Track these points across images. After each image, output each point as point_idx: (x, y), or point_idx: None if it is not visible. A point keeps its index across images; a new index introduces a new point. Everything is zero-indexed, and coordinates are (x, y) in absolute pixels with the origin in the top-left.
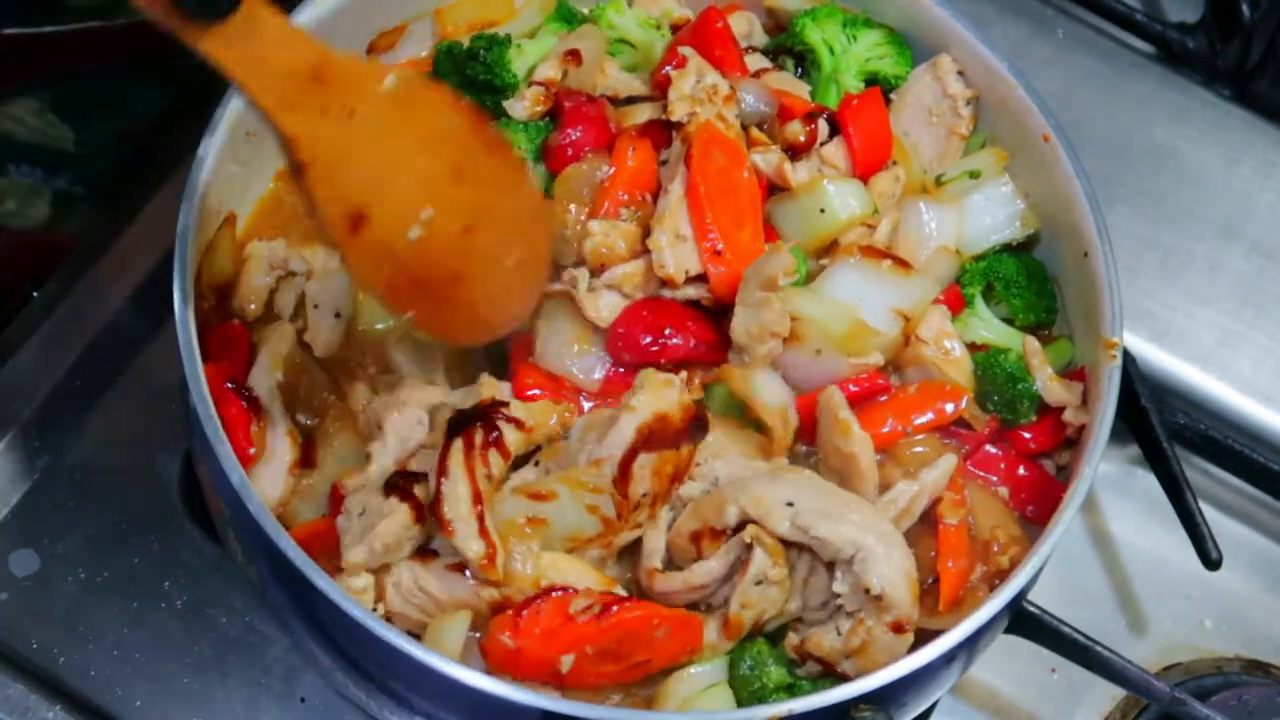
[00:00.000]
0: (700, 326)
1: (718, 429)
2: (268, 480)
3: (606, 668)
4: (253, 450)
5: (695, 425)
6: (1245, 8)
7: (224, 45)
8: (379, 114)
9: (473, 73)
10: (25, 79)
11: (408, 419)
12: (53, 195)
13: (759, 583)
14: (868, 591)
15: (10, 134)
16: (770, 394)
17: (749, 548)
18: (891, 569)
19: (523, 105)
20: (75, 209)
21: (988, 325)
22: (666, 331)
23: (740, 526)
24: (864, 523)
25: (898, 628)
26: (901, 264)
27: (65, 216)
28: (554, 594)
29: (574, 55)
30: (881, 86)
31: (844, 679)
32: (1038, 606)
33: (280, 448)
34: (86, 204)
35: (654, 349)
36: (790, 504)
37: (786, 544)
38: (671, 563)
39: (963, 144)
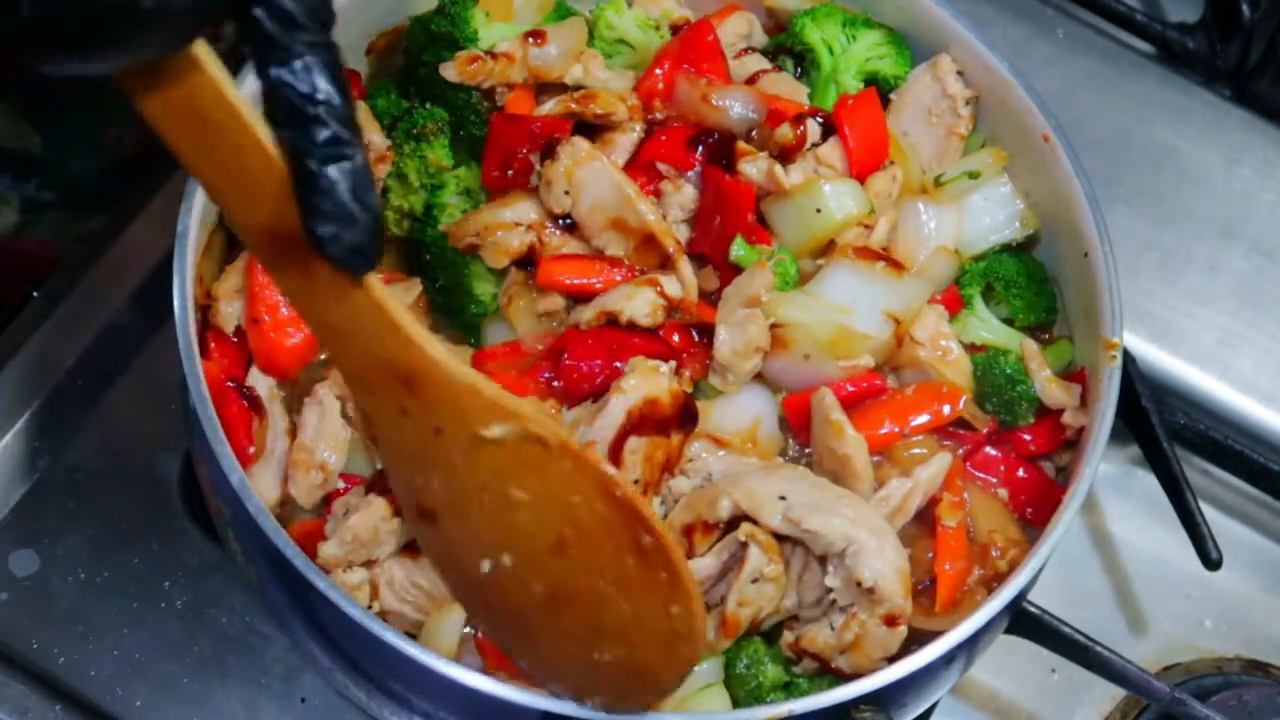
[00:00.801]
0: (647, 343)
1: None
2: (266, 480)
3: None
4: (252, 449)
5: (685, 414)
6: (1245, 8)
7: (320, 308)
8: (470, 450)
9: (437, 26)
10: None
11: None
12: (20, 202)
13: (755, 580)
14: (860, 584)
15: None
16: (729, 419)
17: (743, 545)
18: (883, 562)
19: (452, 69)
20: (46, 216)
21: (987, 326)
22: (616, 363)
23: (733, 520)
24: (856, 517)
25: (890, 621)
26: (896, 265)
27: (35, 224)
28: None
29: (539, 36)
30: (881, 86)
31: (840, 675)
32: (1038, 606)
33: (279, 447)
34: (58, 211)
35: (602, 379)
36: (783, 498)
37: (780, 539)
38: None
39: (962, 144)
